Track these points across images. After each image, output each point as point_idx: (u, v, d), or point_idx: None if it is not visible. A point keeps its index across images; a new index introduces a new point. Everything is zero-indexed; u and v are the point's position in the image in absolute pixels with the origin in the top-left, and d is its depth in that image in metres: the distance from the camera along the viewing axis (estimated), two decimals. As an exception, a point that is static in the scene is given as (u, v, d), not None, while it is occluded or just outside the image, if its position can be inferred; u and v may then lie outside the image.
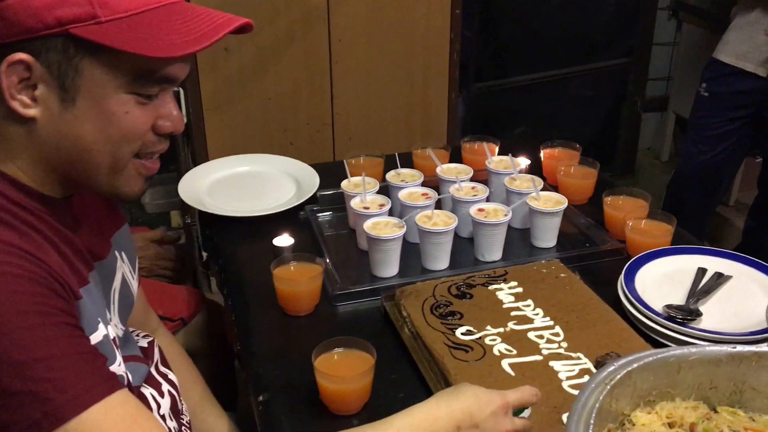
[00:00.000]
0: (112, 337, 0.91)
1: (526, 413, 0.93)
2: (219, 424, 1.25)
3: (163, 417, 1.03)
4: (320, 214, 1.57)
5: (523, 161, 1.61)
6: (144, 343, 1.12)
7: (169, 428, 1.03)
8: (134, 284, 1.09)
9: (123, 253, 1.06)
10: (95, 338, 0.86)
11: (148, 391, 1.03)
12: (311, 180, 1.67)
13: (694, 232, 2.44)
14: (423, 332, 1.12)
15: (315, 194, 1.61)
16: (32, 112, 0.80)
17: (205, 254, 2.33)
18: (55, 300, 0.78)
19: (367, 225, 1.33)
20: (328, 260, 1.35)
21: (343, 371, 1.00)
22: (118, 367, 0.91)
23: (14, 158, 0.83)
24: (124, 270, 1.04)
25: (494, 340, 1.10)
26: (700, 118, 2.49)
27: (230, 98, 2.41)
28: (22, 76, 0.78)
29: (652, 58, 3.53)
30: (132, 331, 1.13)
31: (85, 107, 0.80)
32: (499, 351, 1.08)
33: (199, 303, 1.64)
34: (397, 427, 0.86)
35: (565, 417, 0.94)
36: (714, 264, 1.30)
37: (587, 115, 3.55)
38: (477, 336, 1.11)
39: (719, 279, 1.26)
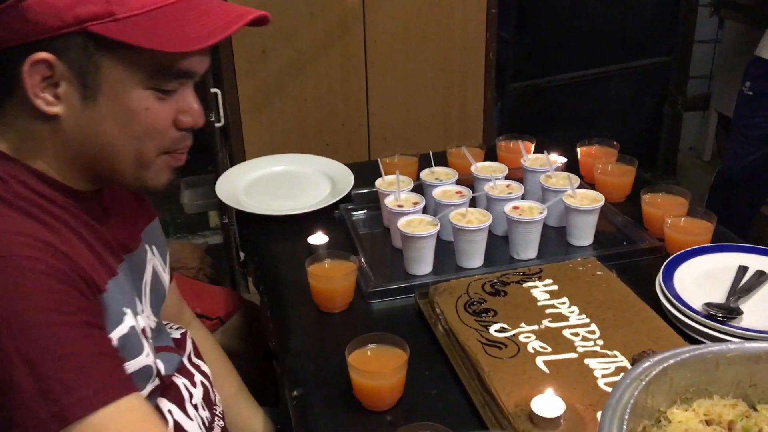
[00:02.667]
0: (141, 328, 0.93)
1: (560, 411, 0.92)
2: (253, 416, 1.27)
3: (195, 407, 1.05)
4: (355, 213, 1.58)
5: (559, 159, 1.59)
6: (177, 334, 1.14)
7: (201, 418, 1.05)
8: (165, 277, 1.10)
9: (154, 247, 1.08)
10: (120, 331, 0.87)
11: (180, 380, 1.05)
12: (346, 179, 1.68)
13: (738, 232, 2.39)
14: (456, 329, 1.12)
15: (350, 193, 1.62)
16: (56, 109, 0.82)
17: (242, 254, 2.37)
18: (77, 298, 0.79)
19: (401, 223, 1.33)
20: (362, 258, 1.35)
21: (376, 367, 1.01)
22: (146, 357, 0.92)
23: (42, 155, 0.85)
24: (155, 263, 1.06)
25: (528, 337, 1.09)
26: (744, 118, 2.43)
27: (267, 100, 2.44)
28: (44, 74, 0.79)
29: (694, 55, 3.46)
30: (165, 324, 1.15)
31: (107, 104, 0.82)
32: (534, 348, 1.07)
33: (237, 303, 1.67)
34: None
35: (599, 415, 0.93)
36: (755, 262, 1.27)
37: (627, 115, 3.49)
38: (511, 333, 1.10)
39: (761, 277, 1.23)
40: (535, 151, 1.67)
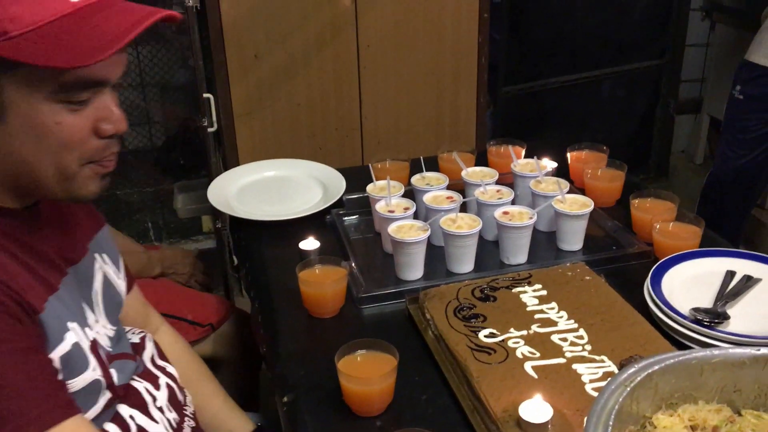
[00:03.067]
0: (91, 339, 0.92)
1: (548, 416, 0.93)
2: (231, 417, 1.25)
3: (160, 409, 1.04)
4: (346, 218, 1.59)
5: (549, 164, 1.60)
6: (136, 339, 1.12)
7: (168, 420, 1.04)
8: (121, 284, 1.09)
9: (104, 255, 1.06)
10: (62, 349, 0.87)
11: (141, 385, 1.04)
12: (338, 184, 1.68)
13: (729, 235, 2.41)
14: (446, 334, 1.12)
15: (341, 198, 1.63)
16: None
17: (236, 258, 2.37)
18: (9, 324, 0.78)
19: (392, 228, 1.34)
20: (353, 263, 1.36)
21: (366, 373, 1.01)
22: (92, 372, 0.91)
23: None
24: (107, 271, 1.05)
25: (517, 342, 1.10)
26: (735, 122, 2.44)
27: (260, 104, 2.44)
28: None
29: (685, 59, 3.48)
30: (129, 330, 1.14)
31: (16, 122, 0.80)
32: (522, 354, 1.07)
33: (228, 310, 1.68)
34: None
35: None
36: (743, 267, 1.28)
37: (619, 118, 3.51)
38: (500, 338, 1.11)
39: (748, 282, 1.24)
40: (525, 156, 1.68)
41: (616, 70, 3.34)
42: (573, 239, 1.42)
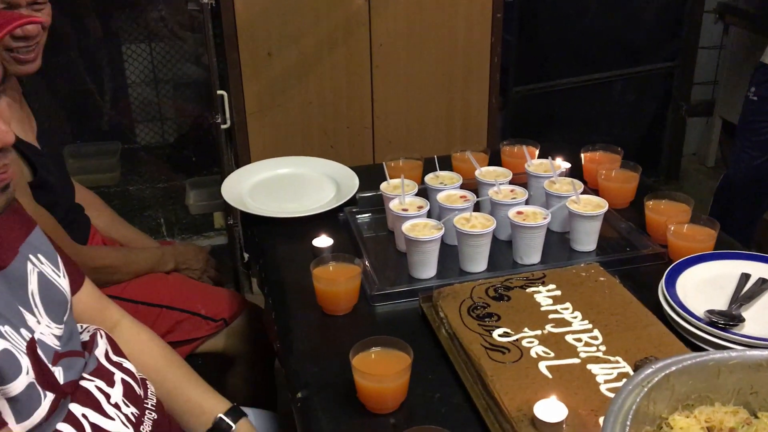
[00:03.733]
0: (26, 342, 0.92)
1: (563, 416, 0.93)
2: (205, 398, 1.22)
3: (116, 405, 1.04)
4: (359, 216, 1.59)
5: (563, 164, 1.60)
6: (86, 336, 1.12)
7: (126, 415, 1.04)
8: (63, 282, 1.08)
9: (39, 255, 1.06)
10: None
11: (92, 383, 1.04)
12: (351, 182, 1.68)
13: (741, 238, 2.40)
14: (460, 333, 1.13)
15: (354, 196, 1.63)
16: None
17: (246, 255, 2.38)
18: None
19: (406, 227, 1.34)
20: (366, 261, 1.36)
21: (380, 370, 1.01)
22: (26, 376, 0.91)
23: None
24: (44, 270, 1.05)
25: (531, 342, 1.10)
26: (750, 123, 2.44)
27: (272, 102, 2.45)
28: None
29: (698, 61, 3.47)
30: (84, 328, 1.13)
31: None
32: (537, 353, 1.07)
33: (241, 305, 1.68)
34: None
35: (602, 420, 0.94)
36: (758, 270, 1.27)
37: (631, 120, 3.50)
38: (514, 338, 1.11)
39: (763, 285, 1.23)
40: (539, 157, 1.68)
41: (628, 72, 3.33)
42: (587, 240, 1.42)
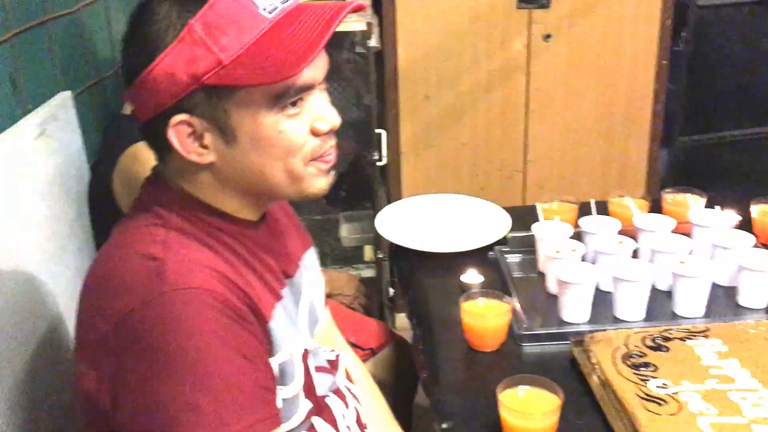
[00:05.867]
0: (302, 352, 0.97)
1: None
2: None
3: (349, 428, 1.07)
4: (509, 255, 1.58)
5: (732, 216, 1.51)
6: (332, 356, 1.17)
7: None
8: (320, 302, 1.14)
9: (311, 272, 1.12)
10: (281, 357, 0.92)
11: (334, 401, 1.07)
12: (502, 221, 1.68)
13: None
14: (613, 381, 1.08)
15: (505, 236, 1.62)
16: (209, 158, 0.89)
17: (392, 290, 2.43)
18: (242, 331, 0.83)
19: (559, 268, 1.32)
20: (516, 300, 1.35)
21: (528, 408, 1.00)
22: (299, 382, 0.95)
23: (214, 193, 0.92)
24: (311, 289, 1.11)
25: (691, 396, 1.04)
26: None
27: (426, 142, 2.52)
28: (187, 132, 0.87)
29: None
30: (326, 349, 1.19)
31: (246, 140, 0.88)
32: (698, 408, 1.01)
33: (388, 336, 1.72)
34: None
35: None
36: None
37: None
38: (672, 390, 1.05)
39: None
40: (705, 207, 1.59)
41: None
42: (756, 296, 1.32)
